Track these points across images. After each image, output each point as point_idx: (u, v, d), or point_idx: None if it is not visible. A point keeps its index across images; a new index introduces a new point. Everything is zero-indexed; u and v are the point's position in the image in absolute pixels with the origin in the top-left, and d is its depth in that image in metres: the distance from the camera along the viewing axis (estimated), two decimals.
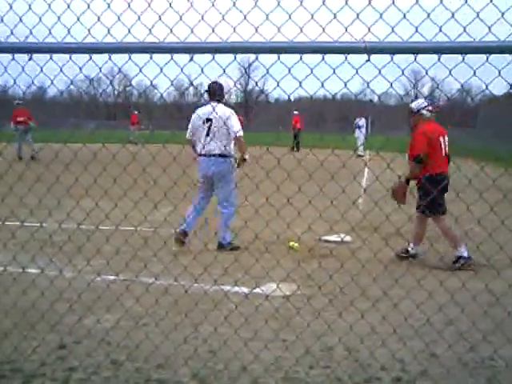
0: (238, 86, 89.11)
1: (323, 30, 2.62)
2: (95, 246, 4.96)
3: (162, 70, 3.07)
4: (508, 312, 4.08)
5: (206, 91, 7.92)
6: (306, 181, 3.85)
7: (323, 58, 2.67)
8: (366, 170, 16.82)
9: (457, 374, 4.04)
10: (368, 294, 5.07)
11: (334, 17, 2.67)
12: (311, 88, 3.08)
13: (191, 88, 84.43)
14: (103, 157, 4.00)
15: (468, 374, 4.03)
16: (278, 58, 2.76)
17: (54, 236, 6.60)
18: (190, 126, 7.95)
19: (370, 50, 2.59)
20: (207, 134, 7.68)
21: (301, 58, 2.73)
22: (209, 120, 7.69)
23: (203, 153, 7.71)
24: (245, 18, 2.76)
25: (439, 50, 2.52)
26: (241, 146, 7.84)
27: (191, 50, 2.83)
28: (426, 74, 2.62)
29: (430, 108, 7.47)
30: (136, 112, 39.10)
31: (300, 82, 2.86)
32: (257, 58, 2.85)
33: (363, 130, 29.31)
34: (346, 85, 2.78)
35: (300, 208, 3.89)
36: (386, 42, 2.58)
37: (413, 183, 7.15)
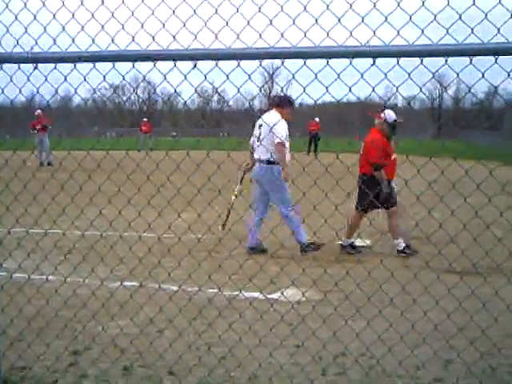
0: (263, 92, 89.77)
1: (351, 33, 2.59)
2: (99, 253, 5.00)
3: (185, 77, 3.05)
4: None
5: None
6: (333, 186, 3.81)
7: (350, 63, 2.64)
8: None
9: (470, 381, 4.00)
10: (374, 301, 5.01)
11: (337, 20, 2.63)
12: (337, 93, 3.05)
13: (215, 95, 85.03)
14: (125, 165, 4.00)
15: (479, 381, 3.97)
16: (304, 63, 2.73)
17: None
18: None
19: (376, 54, 2.55)
20: (258, 140, 7.82)
21: (327, 63, 2.70)
22: (260, 126, 7.86)
23: (255, 158, 7.88)
24: (270, 22, 2.74)
25: (469, 52, 2.47)
26: (278, 157, 7.71)
27: (216, 56, 2.81)
28: (458, 76, 2.57)
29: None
30: (145, 119, 39.43)
31: (327, 88, 2.83)
32: (282, 64, 2.82)
33: None
34: (374, 89, 2.74)
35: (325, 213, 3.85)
36: (392, 45, 2.54)
37: None
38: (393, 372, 4.18)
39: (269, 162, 7.69)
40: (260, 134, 7.79)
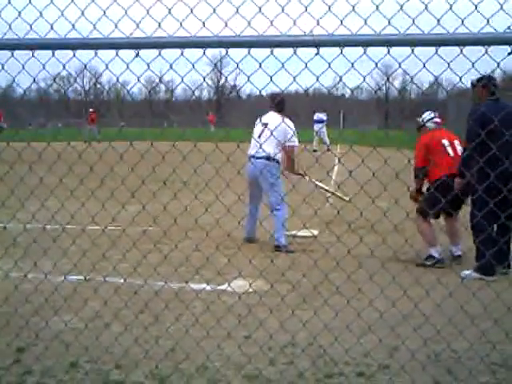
0: (209, 82, 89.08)
1: (294, 22, 2.59)
2: (42, 247, 4.89)
3: (128, 66, 3.00)
4: (460, 306, 4.15)
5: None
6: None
7: (295, 52, 2.63)
8: (336, 164, 16.87)
9: (415, 367, 4.07)
10: (320, 290, 5.05)
11: (281, 9, 2.63)
12: (283, 82, 3.04)
13: (161, 84, 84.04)
14: (68, 156, 3.91)
15: (423, 367, 4.05)
16: (249, 53, 2.71)
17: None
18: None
19: (319, 43, 2.56)
20: (259, 137, 7.79)
21: (271, 53, 2.69)
22: (264, 124, 7.86)
23: (252, 154, 7.85)
24: (214, 11, 2.71)
25: (411, 42, 2.49)
26: (292, 157, 7.99)
27: (158, 45, 2.76)
28: (400, 67, 2.60)
29: (436, 120, 7.51)
30: (92, 109, 38.63)
31: (271, 77, 2.82)
32: (227, 53, 2.79)
33: (322, 124, 29.29)
34: (318, 79, 2.75)
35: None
36: (335, 35, 2.54)
37: None
38: (340, 360, 4.22)
39: (269, 159, 7.77)
40: (263, 132, 7.79)
